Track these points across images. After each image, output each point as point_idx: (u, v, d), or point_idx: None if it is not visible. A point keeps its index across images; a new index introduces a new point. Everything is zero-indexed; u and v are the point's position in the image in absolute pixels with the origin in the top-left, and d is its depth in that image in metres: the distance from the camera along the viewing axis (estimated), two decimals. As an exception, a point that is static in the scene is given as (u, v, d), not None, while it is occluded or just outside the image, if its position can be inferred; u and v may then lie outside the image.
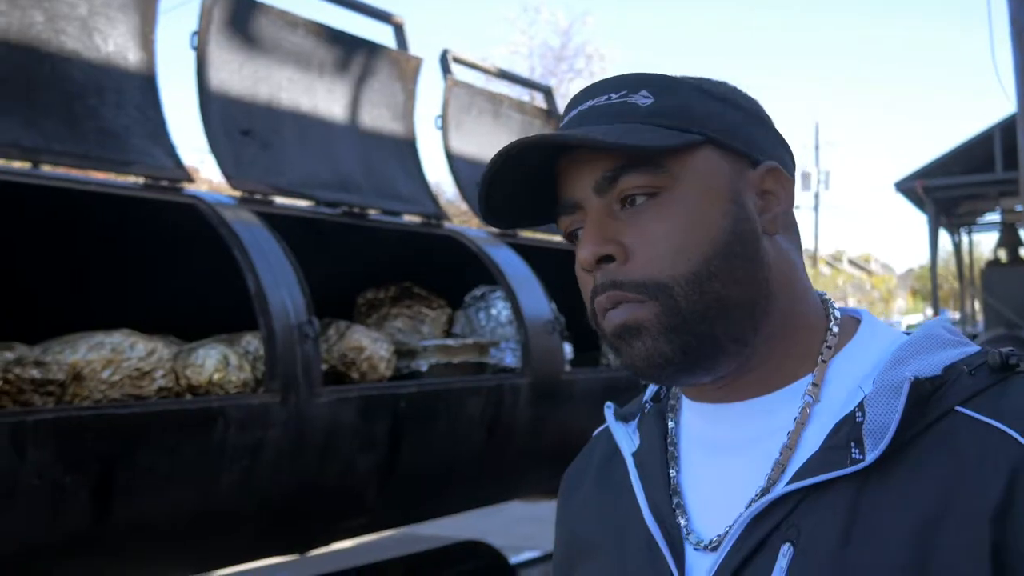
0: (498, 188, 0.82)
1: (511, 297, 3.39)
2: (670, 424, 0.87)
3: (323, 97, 3.25)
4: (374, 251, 3.53)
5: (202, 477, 2.34)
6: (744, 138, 0.81)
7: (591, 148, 0.78)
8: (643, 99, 0.79)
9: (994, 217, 14.18)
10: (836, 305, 0.85)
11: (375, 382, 2.91)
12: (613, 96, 0.80)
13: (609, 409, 0.94)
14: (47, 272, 2.83)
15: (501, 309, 3.54)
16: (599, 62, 21.91)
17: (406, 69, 3.59)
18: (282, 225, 2.81)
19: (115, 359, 2.33)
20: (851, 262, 47.63)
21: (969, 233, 15.24)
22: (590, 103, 0.80)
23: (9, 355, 2.31)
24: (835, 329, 0.82)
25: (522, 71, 20.72)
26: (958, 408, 0.72)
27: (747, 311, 0.78)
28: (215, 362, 2.48)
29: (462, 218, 8.37)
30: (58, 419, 2.05)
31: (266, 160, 2.98)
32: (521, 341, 3.37)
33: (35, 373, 2.24)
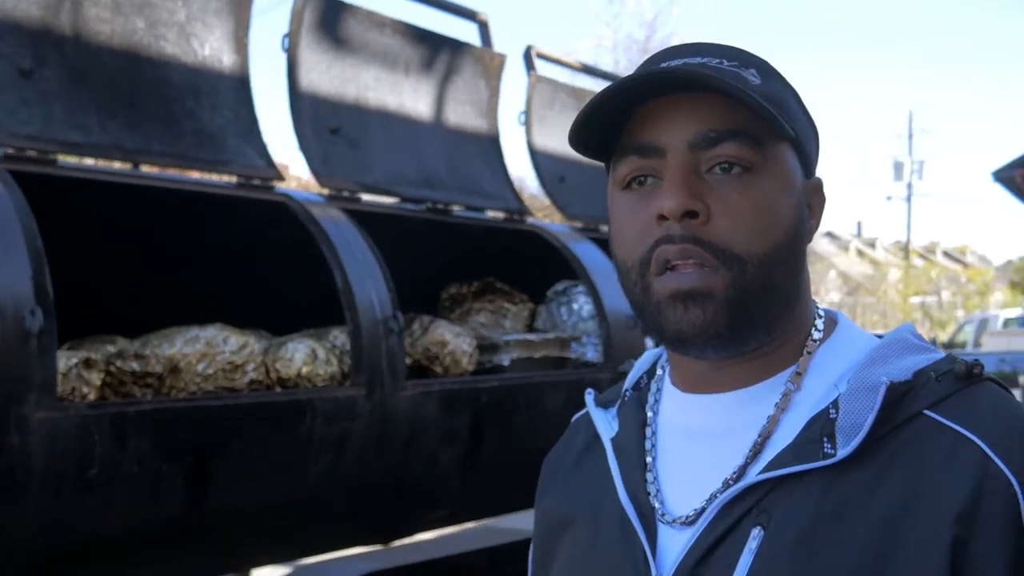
0: (601, 110, 0.81)
1: (593, 292, 3.40)
2: (649, 413, 0.90)
3: (409, 95, 3.31)
4: (458, 246, 3.58)
5: (290, 467, 2.41)
6: (810, 151, 0.85)
7: (705, 96, 0.78)
8: (752, 77, 0.80)
9: (1100, 209, 13.54)
10: (820, 306, 0.89)
11: (458, 376, 2.96)
12: (726, 63, 0.81)
13: (590, 395, 0.96)
14: (145, 267, 2.95)
15: (583, 304, 3.55)
16: (684, 52, 21.56)
17: (490, 66, 3.62)
18: (368, 221, 2.87)
19: (209, 352, 2.42)
20: (946, 254, 46.11)
21: (1073, 225, 14.59)
22: (700, 59, 0.81)
23: (111, 348, 2.42)
24: (820, 325, 0.85)
25: (607, 65, 20.54)
26: (926, 412, 0.75)
27: (784, 304, 0.82)
28: (304, 356, 2.55)
29: (545, 213, 8.39)
30: (156, 410, 2.14)
31: (354, 158, 3.05)
32: (603, 336, 3.38)
33: (135, 366, 2.34)
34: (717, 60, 0.81)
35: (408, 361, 2.86)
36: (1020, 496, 0.71)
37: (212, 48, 2.73)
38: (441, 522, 3.16)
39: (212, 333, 2.46)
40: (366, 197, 3.05)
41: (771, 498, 0.75)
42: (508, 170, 3.70)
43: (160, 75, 2.60)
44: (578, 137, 0.85)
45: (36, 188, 2.22)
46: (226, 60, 2.76)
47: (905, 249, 35.39)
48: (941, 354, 0.80)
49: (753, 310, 0.79)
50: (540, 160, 4.00)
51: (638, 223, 0.80)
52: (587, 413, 0.97)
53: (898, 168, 34.07)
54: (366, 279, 2.63)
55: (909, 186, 33.98)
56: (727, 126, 0.78)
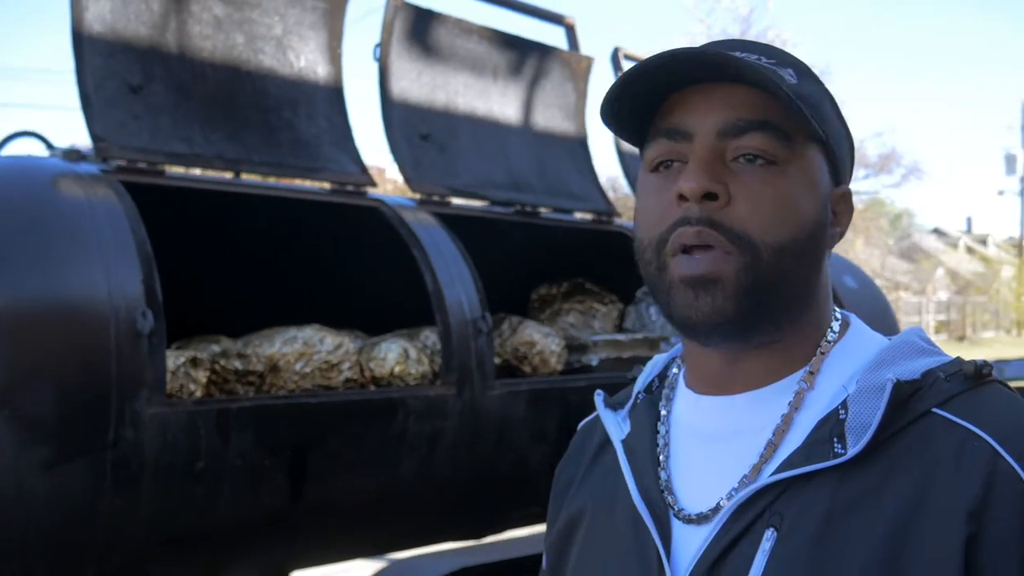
0: (632, 87, 0.82)
1: (682, 293, 3.40)
2: (662, 412, 0.90)
3: (497, 100, 3.37)
4: (547, 248, 3.63)
5: (384, 463, 2.50)
6: (841, 158, 0.85)
7: (739, 87, 0.79)
8: (789, 76, 0.81)
9: None
10: (836, 308, 0.89)
11: (546, 376, 3.00)
12: (764, 60, 0.81)
13: (599, 396, 0.96)
14: (247, 270, 3.08)
15: (672, 304, 3.54)
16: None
17: (577, 69, 3.66)
18: (458, 225, 2.94)
19: (307, 352, 2.52)
20: (1063, 251, 43.94)
21: None
22: (739, 54, 0.81)
23: (216, 348, 2.55)
24: (836, 328, 0.86)
25: (700, 60, 20.18)
26: (935, 410, 0.76)
27: (795, 300, 0.82)
28: (396, 355, 2.63)
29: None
30: (256, 407, 2.25)
31: (443, 163, 3.13)
32: (692, 337, 3.37)
33: (237, 364, 2.46)
34: (757, 56, 0.81)
35: (497, 361, 2.92)
36: None
37: (307, 60, 2.84)
38: (532, 519, 3.21)
39: (309, 333, 2.57)
40: (456, 201, 3.13)
41: (783, 499, 0.76)
42: (596, 172, 3.73)
43: (259, 87, 2.72)
44: (609, 109, 0.85)
45: (146, 197, 2.35)
46: (321, 71, 2.87)
47: (1019, 246, 33.92)
48: (949, 357, 0.81)
49: (762, 300, 0.79)
50: (629, 161, 4.02)
51: (660, 204, 0.82)
52: (595, 418, 0.98)
53: (1010, 161, 32.74)
54: (455, 281, 2.70)
55: (1022, 180, 32.59)
56: (756, 116, 0.79)
